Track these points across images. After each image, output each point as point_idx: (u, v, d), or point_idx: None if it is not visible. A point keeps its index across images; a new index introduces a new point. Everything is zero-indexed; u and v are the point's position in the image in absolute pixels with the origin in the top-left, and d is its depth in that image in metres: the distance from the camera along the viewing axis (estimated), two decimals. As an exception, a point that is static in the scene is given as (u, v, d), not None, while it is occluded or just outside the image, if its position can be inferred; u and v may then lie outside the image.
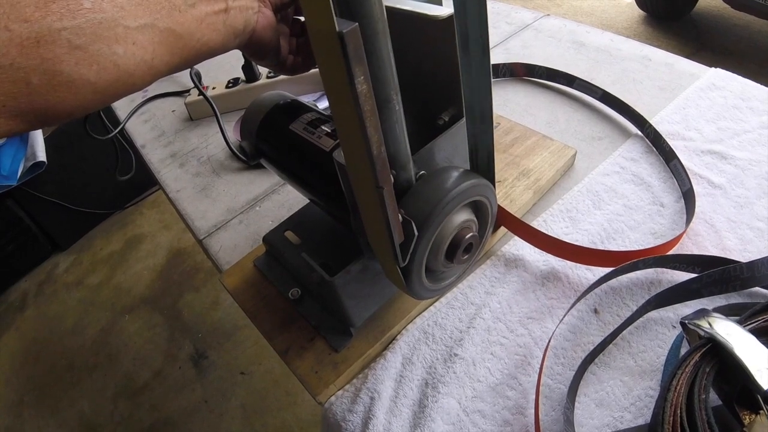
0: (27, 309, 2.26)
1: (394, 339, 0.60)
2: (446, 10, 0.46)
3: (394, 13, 0.47)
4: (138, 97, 1.17)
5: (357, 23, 0.30)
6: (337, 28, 0.30)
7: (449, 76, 0.49)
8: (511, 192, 0.70)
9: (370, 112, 0.33)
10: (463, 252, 0.48)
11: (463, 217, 0.47)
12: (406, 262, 0.43)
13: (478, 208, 0.50)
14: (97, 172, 2.35)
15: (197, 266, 2.21)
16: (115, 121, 1.13)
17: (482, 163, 0.52)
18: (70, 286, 2.30)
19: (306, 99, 0.73)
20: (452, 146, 0.52)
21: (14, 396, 1.94)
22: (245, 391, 1.74)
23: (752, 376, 0.41)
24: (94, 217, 2.52)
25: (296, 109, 0.59)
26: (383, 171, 0.37)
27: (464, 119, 0.51)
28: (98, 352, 2.01)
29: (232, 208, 0.83)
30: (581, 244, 0.64)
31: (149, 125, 1.09)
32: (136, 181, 1.58)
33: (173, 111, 1.11)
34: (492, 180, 0.51)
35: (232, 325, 1.94)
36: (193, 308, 2.06)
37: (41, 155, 2.06)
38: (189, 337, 1.96)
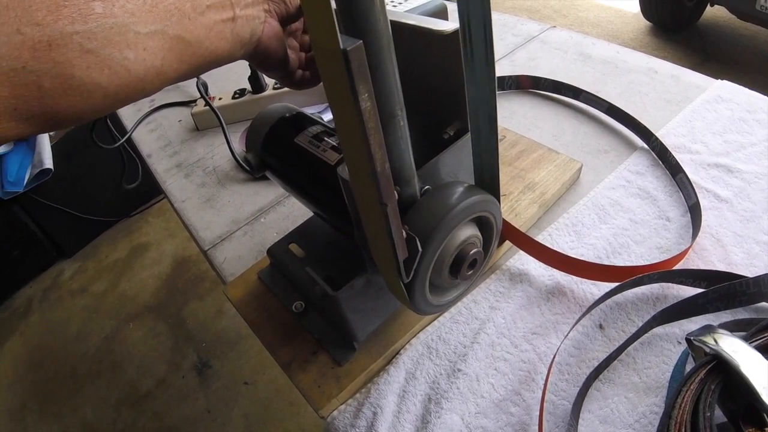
0: (31, 315, 2.27)
1: (397, 353, 0.60)
2: (451, 24, 0.46)
3: (399, 28, 0.47)
4: (145, 106, 1.17)
5: (361, 40, 0.30)
6: (341, 46, 0.30)
7: (454, 91, 0.49)
8: (516, 206, 0.70)
9: (374, 129, 0.33)
10: (468, 268, 0.48)
11: (467, 232, 0.47)
12: (409, 278, 0.43)
13: (482, 223, 0.50)
14: (103, 179, 2.36)
15: (202, 275, 2.21)
16: (122, 130, 1.14)
17: (487, 178, 0.52)
18: (74, 293, 2.31)
19: (311, 111, 0.73)
20: (457, 161, 0.52)
21: (17, 402, 1.95)
22: (248, 400, 1.74)
23: (758, 393, 0.41)
24: (100, 224, 2.53)
25: (302, 121, 0.59)
26: (387, 188, 0.37)
27: (469, 133, 0.51)
28: (102, 360, 2.01)
29: (236, 220, 0.83)
30: (587, 259, 0.64)
31: (155, 135, 1.09)
32: (142, 189, 1.59)
33: (180, 121, 1.11)
34: (497, 195, 0.51)
35: (236, 334, 1.94)
36: (197, 317, 2.06)
37: (48, 162, 2.07)
38: (193, 346, 1.96)
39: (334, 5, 0.35)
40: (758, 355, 0.43)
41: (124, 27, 0.35)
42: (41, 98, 0.33)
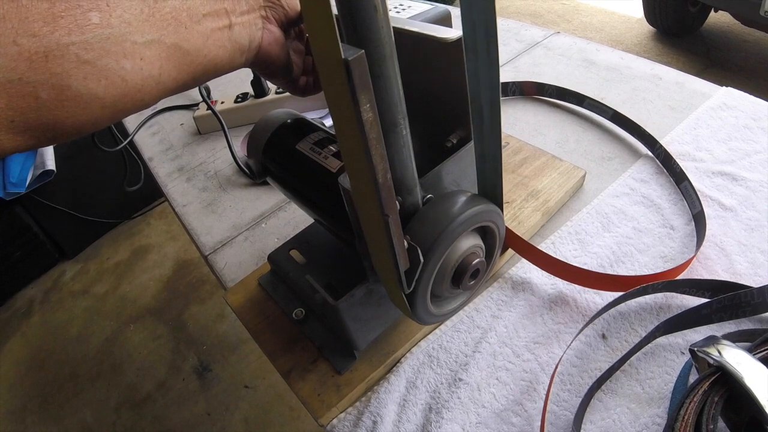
0: (33, 316, 2.27)
1: (398, 362, 0.60)
2: (455, 32, 0.45)
3: (402, 35, 0.46)
4: (147, 109, 1.17)
5: (363, 50, 0.30)
6: (342, 56, 0.29)
7: (457, 99, 0.49)
8: (519, 213, 0.70)
9: (375, 140, 0.33)
10: (470, 278, 0.47)
11: (469, 242, 0.46)
12: (411, 289, 0.43)
13: (485, 232, 0.49)
14: (105, 181, 2.36)
15: (203, 278, 2.21)
16: (124, 132, 1.14)
17: (490, 187, 0.51)
18: (76, 295, 2.30)
19: (312, 116, 0.73)
20: (460, 169, 0.52)
21: (18, 403, 1.95)
22: (248, 404, 1.73)
23: (761, 406, 0.40)
24: (102, 226, 2.53)
25: (304, 127, 0.59)
26: (389, 199, 0.36)
27: (472, 142, 0.50)
28: (102, 362, 2.01)
29: (237, 225, 0.83)
30: (590, 268, 0.64)
31: (157, 138, 1.09)
32: (144, 191, 1.59)
33: (182, 124, 1.11)
34: (500, 204, 0.50)
35: (236, 338, 1.93)
36: (198, 320, 2.06)
37: (50, 164, 2.08)
38: (193, 349, 1.96)
39: (335, 10, 0.35)
40: (762, 367, 0.43)
41: (120, 37, 0.35)
42: (38, 110, 0.32)
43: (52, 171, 2.08)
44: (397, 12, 0.60)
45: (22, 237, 2.27)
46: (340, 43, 0.29)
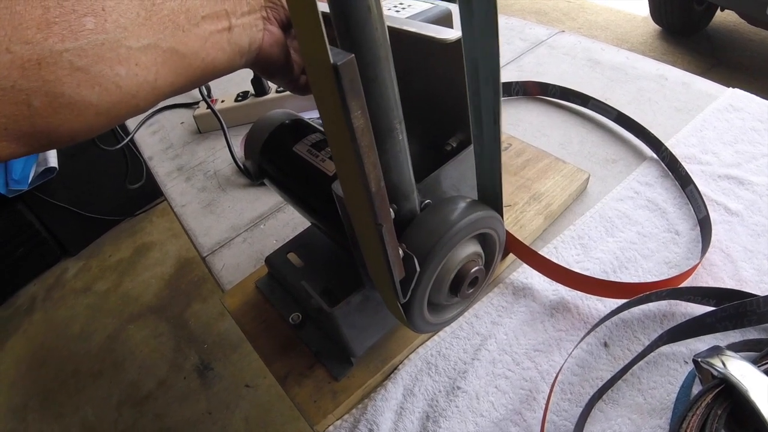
0: (35, 313, 2.27)
1: (395, 369, 0.59)
2: (454, 32, 0.44)
3: (399, 36, 0.45)
4: (147, 107, 1.16)
5: (353, 55, 0.29)
6: (331, 60, 0.28)
7: (458, 101, 0.47)
8: (521, 217, 0.68)
9: (367, 147, 0.32)
10: (468, 286, 0.46)
11: (468, 250, 0.45)
12: (407, 299, 0.42)
13: (485, 239, 0.48)
14: (108, 179, 2.36)
15: (205, 276, 2.21)
16: (125, 131, 1.13)
17: (490, 192, 0.50)
18: (78, 292, 2.31)
19: (309, 116, 0.72)
20: (459, 174, 0.51)
21: (19, 400, 1.95)
22: (249, 403, 1.73)
23: (766, 420, 0.40)
24: (104, 223, 2.53)
25: (301, 129, 0.58)
26: (382, 208, 0.35)
27: (473, 145, 0.49)
28: (104, 359, 2.01)
29: (236, 226, 0.82)
30: (593, 273, 0.62)
31: (158, 137, 1.08)
32: (146, 189, 1.59)
33: (182, 123, 1.10)
34: (500, 210, 0.49)
35: (238, 336, 1.93)
36: (199, 318, 2.06)
37: (53, 161, 2.08)
38: (195, 348, 1.95)
39: (327, 8, 0.33)
40: (767, 380, 0.42)
41: (115, 43, 0.34)
42: (31, 117, 0.32)
43: (54, 168, 2.08)
44: (396, 11, 0.59)
45: (24, 234, 2.27)
46: (328, 47, 0.28)
